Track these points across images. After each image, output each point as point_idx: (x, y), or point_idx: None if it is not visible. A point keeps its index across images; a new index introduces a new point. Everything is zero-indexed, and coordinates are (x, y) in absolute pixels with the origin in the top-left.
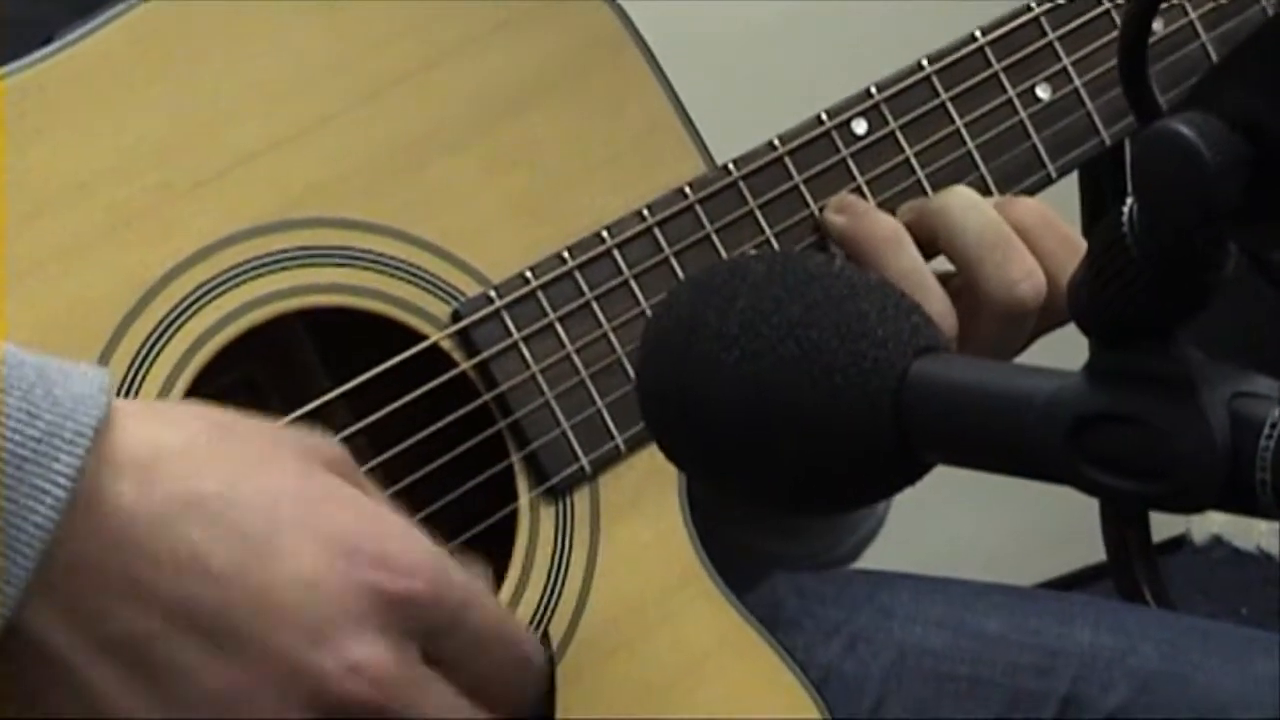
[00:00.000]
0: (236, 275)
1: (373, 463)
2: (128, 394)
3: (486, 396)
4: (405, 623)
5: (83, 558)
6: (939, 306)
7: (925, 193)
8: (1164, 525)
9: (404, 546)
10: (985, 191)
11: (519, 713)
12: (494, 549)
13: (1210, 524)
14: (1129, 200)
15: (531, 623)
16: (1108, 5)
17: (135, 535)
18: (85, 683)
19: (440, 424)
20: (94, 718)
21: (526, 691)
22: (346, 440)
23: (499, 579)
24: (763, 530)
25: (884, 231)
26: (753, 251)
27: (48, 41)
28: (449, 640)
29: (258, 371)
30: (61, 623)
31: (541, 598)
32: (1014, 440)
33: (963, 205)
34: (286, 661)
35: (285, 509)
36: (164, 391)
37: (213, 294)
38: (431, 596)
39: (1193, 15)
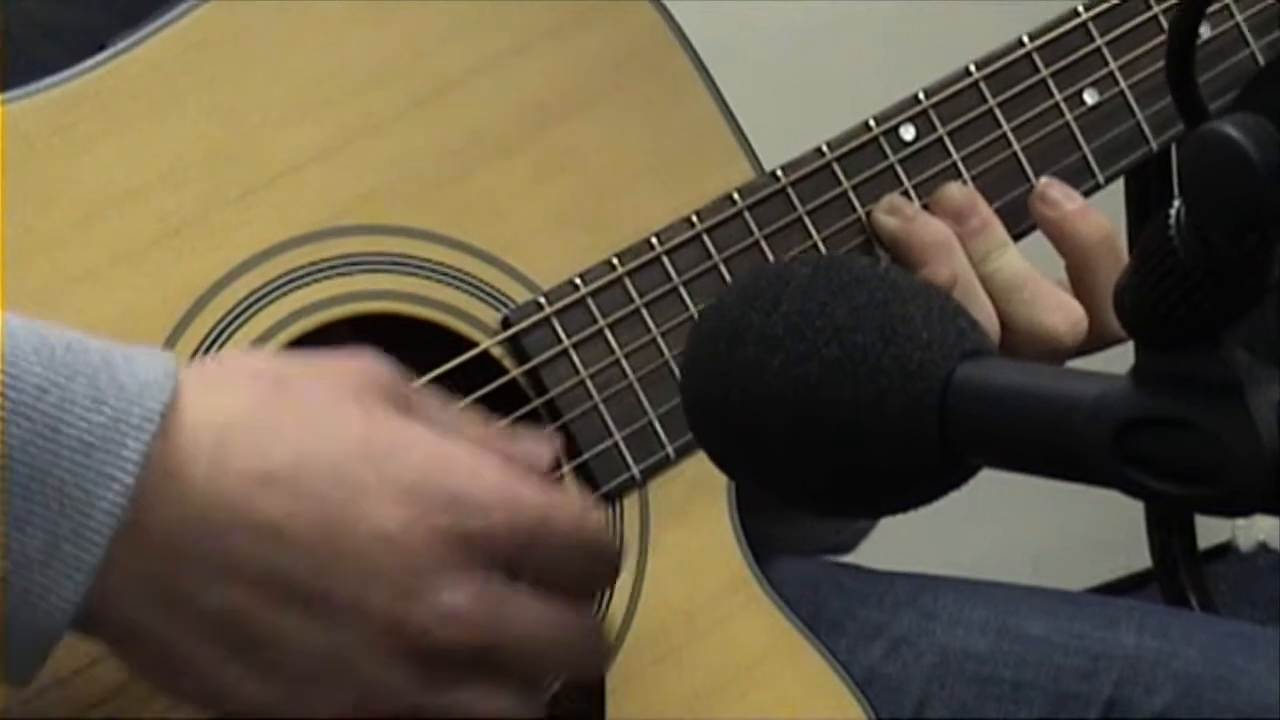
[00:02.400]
0: (286, 283)
1: None
2: None
3: (537, 403)
4: (486, 557)
5: (165, 540)
6: (983, 315)
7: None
8: (1209, 532)
9: (471, 482)
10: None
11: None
12: None
13: (1257, 531)
14: (1176, 203)
15: None
16: (1155, 10)
17: (214, 514)
18: (189, 660)
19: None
20: (207, 691)
21: (609, 584)
22: None
23: None
24: (769, 516)
25: (934, 236)
26: (804, 258)
27: (100, 49)
28: (530, 557)
29: None
30: (153, 605)
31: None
32: (1060, 444)
33: (996, 244)
34: (381, 619)
35: (355, 468)
36: None
37: (263, 301)
38: (507, 526)
39: (1240, 18)
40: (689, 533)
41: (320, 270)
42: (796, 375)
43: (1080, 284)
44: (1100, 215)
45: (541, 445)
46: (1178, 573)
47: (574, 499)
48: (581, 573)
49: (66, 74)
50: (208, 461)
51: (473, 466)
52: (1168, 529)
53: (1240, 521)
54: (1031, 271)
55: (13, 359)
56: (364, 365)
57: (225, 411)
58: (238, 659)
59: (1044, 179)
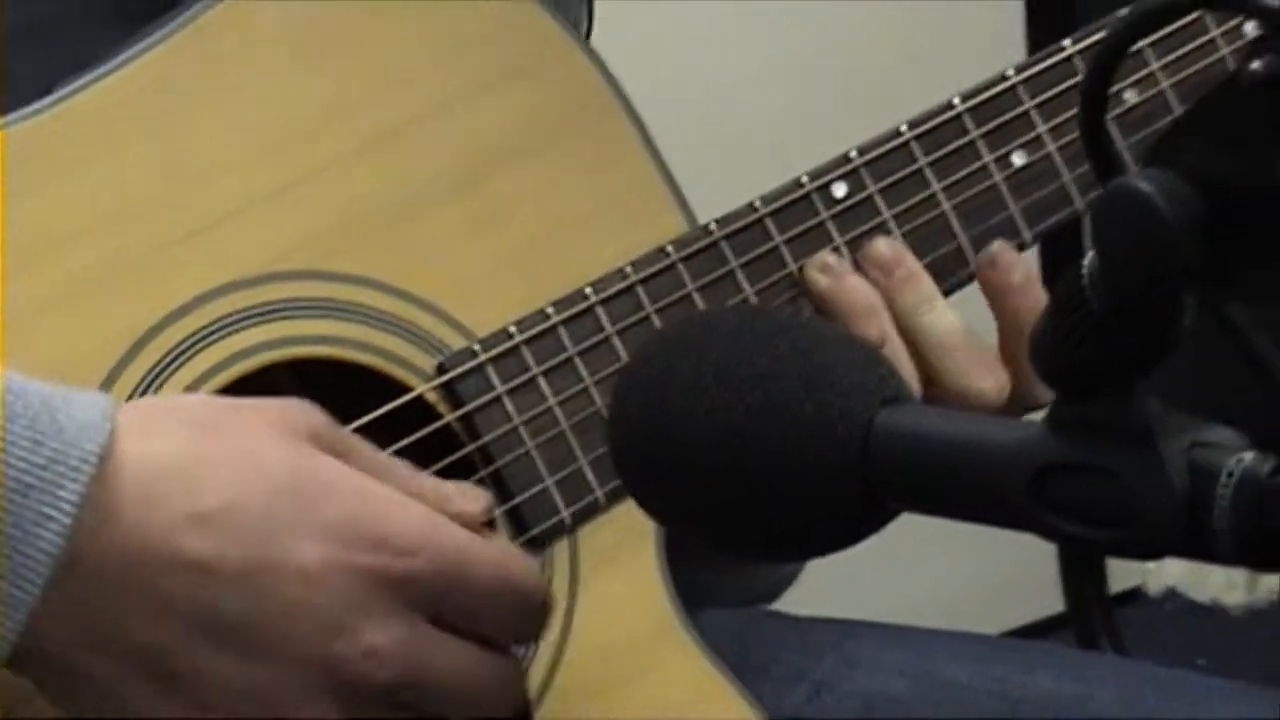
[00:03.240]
0: (226, 326)
1: None
2: None
3: (470, 447)
4: (411, 598)
5: (99, 578)
6: (908, 371)
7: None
8: (1120, 577)
9: (397, 524)
10: (962, 256)
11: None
12: None
13: (1166, 576)
14: (1089, 254)
15: None
16: (1080, 76)
17: (147, 554)
18: (118, 696)
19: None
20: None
21: (538, 626)
22: None
23: None
24: (696, 562)
25: (863, 296)
26: (731, 308)
27: (47, 93)
28: (455, 600)
29: None
30: (85, 642)
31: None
32: (978, 489)
33: (923, 299)
34: (306, 656)
35: (283, 509)
36: None
37: (203, 344)
38: (431, 569)
39: (1165, 85)
40: (617, 577)
41: (260, 314)
42: (723, 422)
43: (1011, 348)
44: (1041, 291)
45: (473, 499)
46: (1090, 617)
47: (500, 545)
48: (505, 618)
49: (13, 116)
50: (142, 503)
51: (400, 510)
52: (1080, 573)
53: (1150, 566)
54: (962, 331)
55: None
56: (295, 408)
57: (159, 454)
58: (166, 695)
59: (997, 243)
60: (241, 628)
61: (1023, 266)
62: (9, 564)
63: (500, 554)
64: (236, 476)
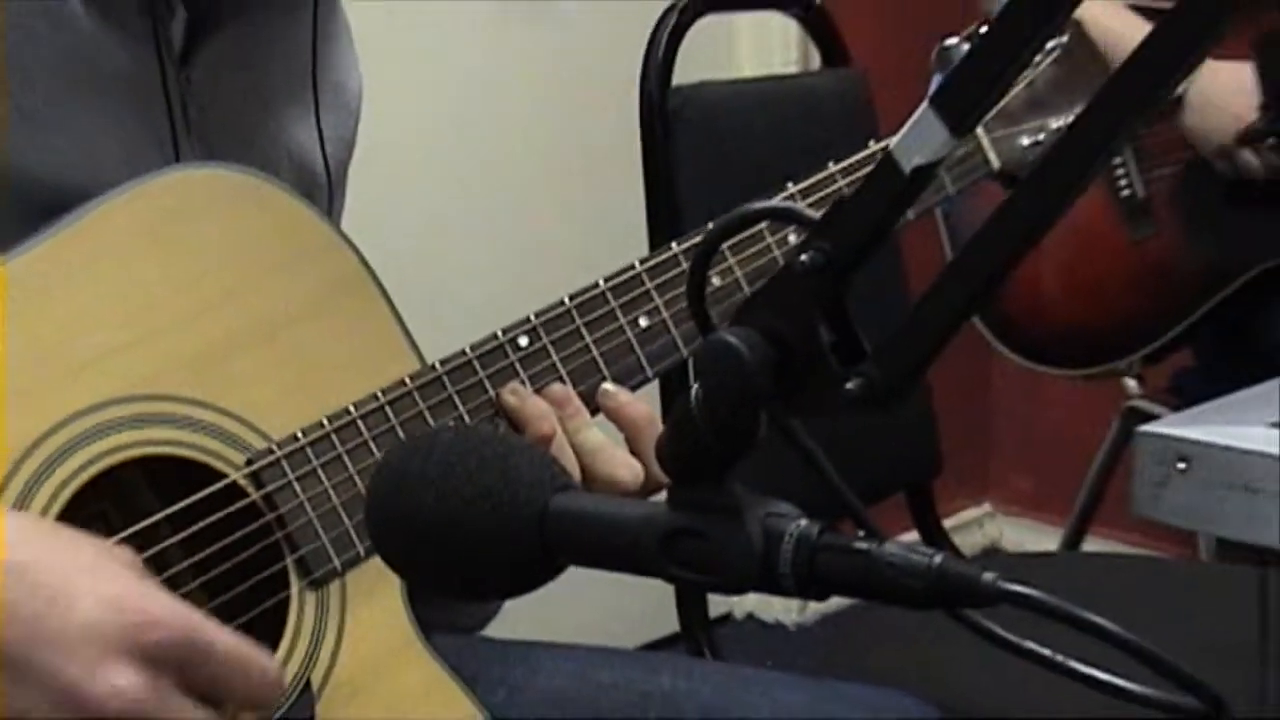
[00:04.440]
0: (94, 434)
1: (184, 564)
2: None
3: (269, 516)
4: (159, 658)
5: None
6: (571, 466)
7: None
8: (717, 605)
9: (164, 609)
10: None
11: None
12: (273, 623)
13: (746, 604)
14: (694, 386)
15: (299, 672)
16: (684, 265)
17: None
18: None
19: (239, 534)
20: None
21: (271, 700)
22: (165, 549)
23: (275, 645)
24: (429, 602)
25: (540, 411)
26: (450, 424)
27: None
28: (199, 671)
29: (109, 507)
30: None
31: (306, 655)
32: (622, 550)
33: (583, 423)
34: (64, 685)
35: (78, 577)
36: (43, 514)
37: (76, 447)
38: (180, 639)
39: (739, 274)
40: (374, 607)
41: (119, 425)
42: (444, 505)
43: (636, 447)
44: (644, 404)
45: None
46: (697, 634)
47: (242, 641)
48: (241, 690)
49: None
50: None
51: (166, 599)
52: (690, 603)
53: (735, 599)
54: (607, 440)
55: None
56: (112, 546)
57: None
58: None
59: (605, 384)
60: (21, 659)
61: (627, 392)
62: None
63: (240, 639)
64: (48, 549)
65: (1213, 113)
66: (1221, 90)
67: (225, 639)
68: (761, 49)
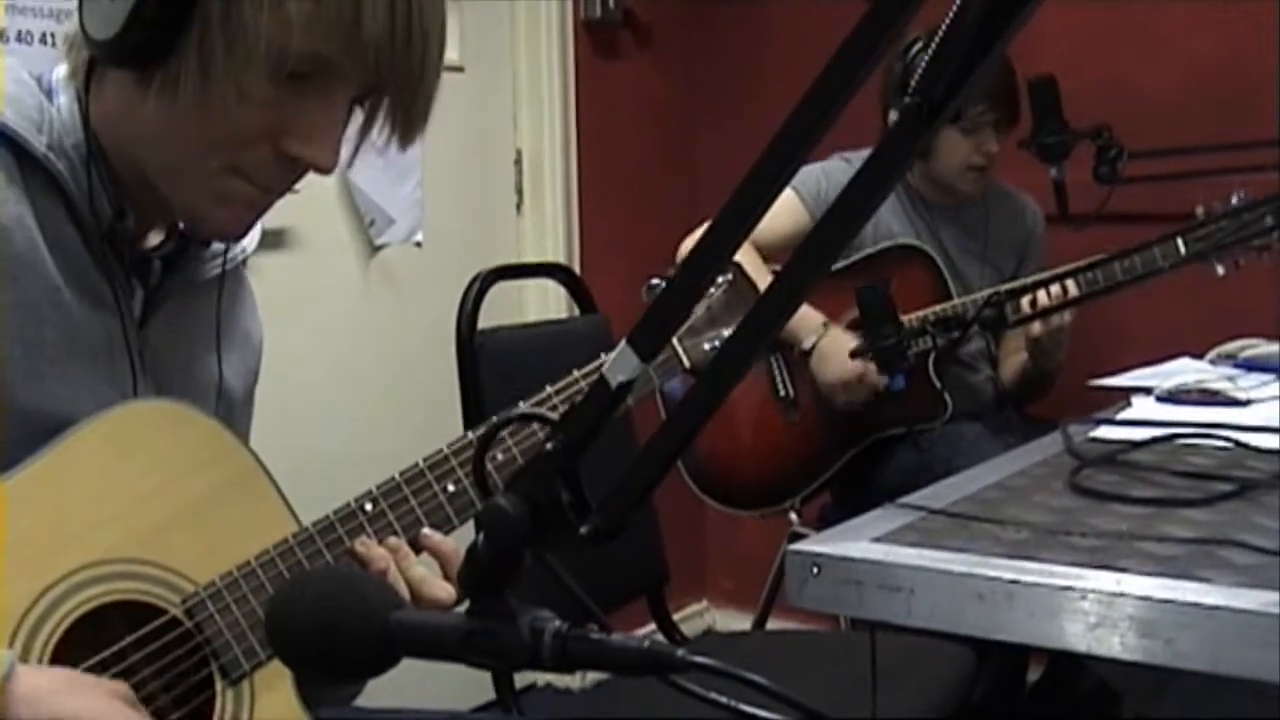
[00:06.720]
0: (80, 586)
1: (145, 671)
2: (27, 646)
3: (199, 638)
4: None
5: None
6: (403, 590)
7: (406, 540)
8: (523, 678)
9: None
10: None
11: None
12: (204, 713)
13: (545, 676)
14: (479, 534)
15: None
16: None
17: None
18: None
19: (178, 653)
20: None
21: None
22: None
23: None
24: (311, 684)
25: (380, 555)
26: (320, 566)
27: None
28: None
29: (91, 634)
30: None
31: None
32: (440, 645)
33: (411, 562)
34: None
35: (90, 712)
36: (44, 646)
37: (69, 596)
38: None
39: (515, 451)
40: (275, 696)
41: (96, 579)
42: (316, 621)
43: (448, 572)
44: (452, 541)
45: None
46: (507, 700)
47: None
48: None
49: None
50: (21, 700)
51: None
52: (501, 678)
53: (534, 673)
54: (428, 573)
55: None
56: (111, 682)
57: (38, 685)
58: None
59: (424, 530)
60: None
61: (440, 536)
62: None
63: None
64: (71, 696)
65: (828, 362)
66: (835, 349)
67: None
68: (539, 303)
